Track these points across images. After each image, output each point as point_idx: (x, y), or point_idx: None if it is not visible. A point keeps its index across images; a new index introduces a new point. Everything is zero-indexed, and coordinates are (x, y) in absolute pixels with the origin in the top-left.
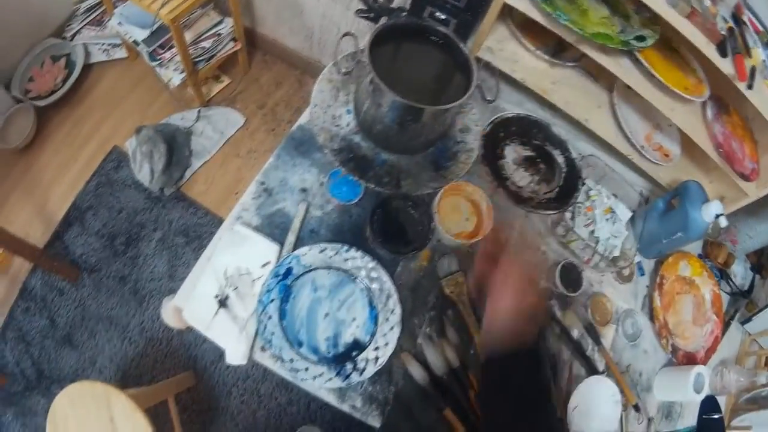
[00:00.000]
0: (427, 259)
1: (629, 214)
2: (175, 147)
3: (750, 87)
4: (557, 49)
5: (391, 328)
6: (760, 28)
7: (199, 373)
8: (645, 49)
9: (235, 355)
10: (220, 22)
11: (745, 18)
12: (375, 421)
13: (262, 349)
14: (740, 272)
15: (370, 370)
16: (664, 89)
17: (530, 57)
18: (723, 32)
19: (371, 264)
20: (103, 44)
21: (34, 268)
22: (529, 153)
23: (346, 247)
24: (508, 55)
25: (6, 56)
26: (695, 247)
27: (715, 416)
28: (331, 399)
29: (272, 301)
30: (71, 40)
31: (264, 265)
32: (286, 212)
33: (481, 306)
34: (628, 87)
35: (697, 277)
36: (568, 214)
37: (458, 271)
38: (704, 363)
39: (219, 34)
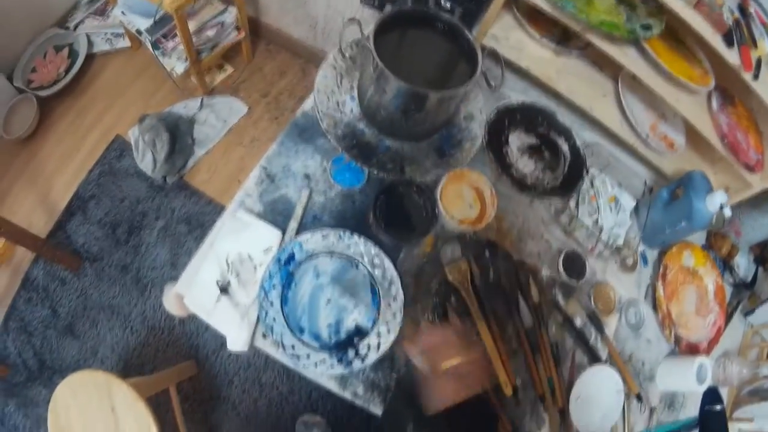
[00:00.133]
0: (430, 246)
1: (633, 204)
2: (178, 136)
3: (756, 77)
4: (562, 37)
5: (394, 315)
6: (767, 20)
7: (200, 362)
8: (651, 38)
9: (237, 342)
10: (223, 11)
11: (751, 10)
12: (377, 408)
13: (264, 336)
14: (743, 264)
15: (372, 356)
16: (670, 79)
17: (535, 45)
18: (729, 23)
19: (374, 250)
20: (106, 34)
21: (36, 258)
22: (533, 141)
23: (348, 233)
24: (514, 44)
25: (9, 47)
26: (699, 238)
27: (718, 408)
28: (333, 386)
29: (274, 287)
30: (74, 30)
31: (266, 252)
32: (288, 198)
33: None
34: (634, 77)
35: (701, 267)
36: (572, 203)
37: (461, 257)
38: (707, 354)
39: (222, 23)
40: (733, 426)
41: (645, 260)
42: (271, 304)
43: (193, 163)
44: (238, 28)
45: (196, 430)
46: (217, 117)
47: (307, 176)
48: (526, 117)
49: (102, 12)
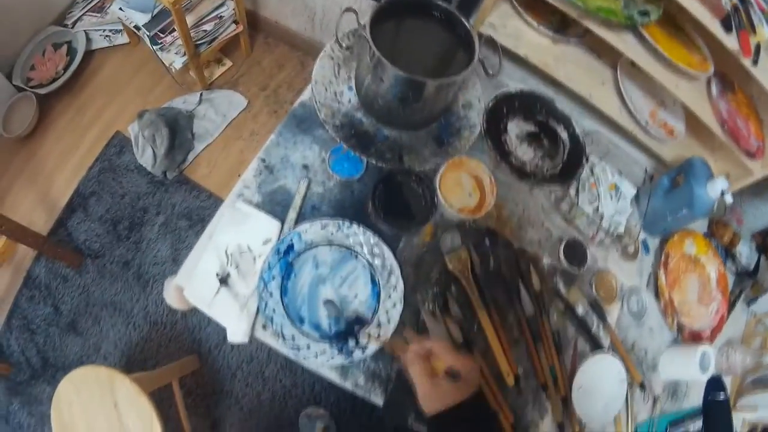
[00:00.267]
0: (430, 235)
1: (634, 191)
2: (178, 131)
3: (755, 63)
4: (561, 25)
5: (394, 305)
6: (765, 7)
7: (203, 357)
8: (649, 24)
9: (237, 333)
10: (221, 5)
11: None
12: (378, 399)
13: (264, 327)
14: (746, 252)
15: (373, 346)
16: (669, 65)
17: (533, 33)
18: (727, 8)
19: (373, 240)
20: (104, 30)
21: (38, 255)
22: (532, 128)
23: (347, 223)
24: (511, 32)
25: (8, 45)
26: (701, 227)
27: (721, 397)
28: (334, 377)
29: (274, 278)
30: (72, 27)
31: (265, 243)
32: (287, 189)
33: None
34: (632, 64)
35: (703, 255)
36: (572, 191)
37: (461, 246)
38: (710, 342)
39: (220, 17)
40: (737, 415)
41: (647, 248)
42: (271, 294)
43: (193, 158)
44: (236, 22)
45: (199, 425)
46: (216, 111)
47: (305, 167)
48: (525, 105)
49: (100, 9)
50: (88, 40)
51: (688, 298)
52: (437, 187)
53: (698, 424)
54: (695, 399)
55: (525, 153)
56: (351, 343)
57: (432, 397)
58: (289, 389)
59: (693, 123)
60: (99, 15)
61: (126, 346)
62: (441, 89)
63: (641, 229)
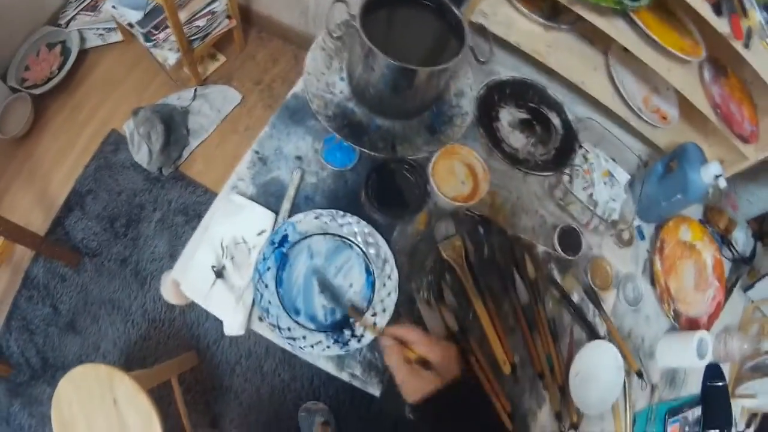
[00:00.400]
0: (424, 224)
1: (628, 177)
2: (173, 127)
3: (747, 46)
4: (552, 12)
5: (389, 294)
6: None
7: (201, 353)
8: (639, 9)
9: (233, 326)
10: (214, 0)
11: None
12: (375, 390)
13: (260, 319)
14: (741, 239)
15: (369, 336)
16: (661, 50)
17: (524, 21)
18: None
19: (367, 229)
20: (98, 29)
21: (36, 256)
22: (524, 115)
23: (341, 213)
24: (502, 19)
25: (2, 47)
26: (696, 213)
27: (719, 383)
28: (330, 368)
29: (269, 269)
30: (66, 26)
31: (260, 234)
32: (281, 180)
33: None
34: (625, 50)
35: (698, 241)
36: (566, 177)
37: (455, 234)
38: (707, 329)
39: (213, 12)
40: (735, 402)
41: (641, 234)
42: (266, 286)
43: (189, 154)
44: (229, 17)
45: (199, 421)
46: (211, 106)
47: (298, 158)
48: (516, 92)
49: (93, 7)
50: (82, 39)
51: (685, 284)
52: (430, 175)
53: (697, 411)
54: (693, 387)
55: (517, 140)
56: (347, 333)
57: (410, 385)
58: (287, 383)
59: (686, 108)
60: (92, 13)
61: (125, 344)
62: (432, 77)
63: (636, 216)
